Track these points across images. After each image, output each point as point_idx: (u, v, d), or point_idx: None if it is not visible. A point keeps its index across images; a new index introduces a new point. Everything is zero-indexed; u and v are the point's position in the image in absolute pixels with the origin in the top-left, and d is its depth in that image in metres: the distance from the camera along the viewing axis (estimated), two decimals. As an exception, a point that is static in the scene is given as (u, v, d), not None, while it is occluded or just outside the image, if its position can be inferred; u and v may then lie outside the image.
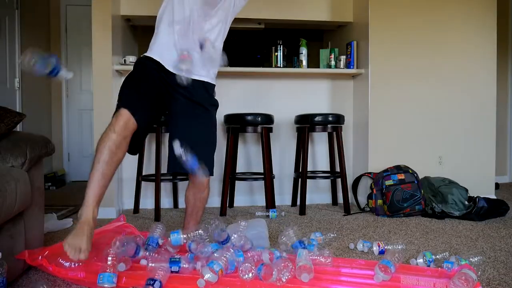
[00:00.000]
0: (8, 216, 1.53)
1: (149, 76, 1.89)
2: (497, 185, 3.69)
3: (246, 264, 1.60)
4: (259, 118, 3.04)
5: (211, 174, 1.92)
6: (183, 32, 1.84)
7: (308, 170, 3.29)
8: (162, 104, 1.95)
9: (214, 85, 2.00)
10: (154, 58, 1.88)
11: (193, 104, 1.90)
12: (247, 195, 3.51)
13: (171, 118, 1.94)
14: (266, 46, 5.77)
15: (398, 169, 3.06)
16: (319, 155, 3.59)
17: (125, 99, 1.84)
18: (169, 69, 1.85)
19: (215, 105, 2.00)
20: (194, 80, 1.87)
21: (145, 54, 1.92)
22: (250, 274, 1.58)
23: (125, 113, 1.76)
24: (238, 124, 3.07)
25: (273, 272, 1.55)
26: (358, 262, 1.87)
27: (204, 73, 1.92)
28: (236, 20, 3.67)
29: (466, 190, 3.02)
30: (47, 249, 1.75)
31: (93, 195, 1.65)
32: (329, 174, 3.43)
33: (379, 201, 3.02)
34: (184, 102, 1.89)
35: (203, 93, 1.93)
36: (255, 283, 1.57)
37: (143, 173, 3.17)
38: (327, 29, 4.22)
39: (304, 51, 3.50)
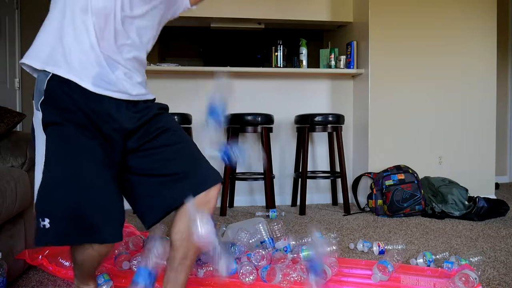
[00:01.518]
0: (8, 216, 1.54)
1: (87, 146, 1.13)
2: (497, 185, 3.69)
3: (247, 267, 1.60)
4: (259, 118, 3.04)
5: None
6: (101, 29, 1.13)
7: (308, 170, 3.28)
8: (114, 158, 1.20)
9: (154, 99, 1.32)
10: (69, 78, 1.11)
11: (150, 124, 1.25)
12: (247, 195, 3.51)
13: (133, 159, 1.24)
14: (266, 46, 5.79)
15: (398, 169, 3.06)
16: (319, 155, 3.59)
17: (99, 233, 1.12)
18: (90, 89, 1.13)
19: (165, 107, 1.35)
20: (135, 103, 1.23)
21: (46, 70, 1.12)
22: (251, 277, 1.58)
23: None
24: (238, 124, 3.06)
25: (277, 274, 1.55)
26: (359, 262, 1.87)
27: (143, 90, 1.26)
28: (236, 20, 3.71)
29: (466, 190, 3.02)
30: (47, 248, 1.76)
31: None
32: (329, 174, 3.42)
33: (379, 201, 3.02)
34: (142, 131, 1.24)
35: (153, 110, 1.27)
36: (258, 284, 1.58)
37: (143, 173, 3.17)
38: (327, 29, 4.22)
39: (304, 51, 3.50)
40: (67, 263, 1.69)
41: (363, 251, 2.12)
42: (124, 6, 1.16)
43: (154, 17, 1.26)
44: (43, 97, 1.12)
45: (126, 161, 1.23)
